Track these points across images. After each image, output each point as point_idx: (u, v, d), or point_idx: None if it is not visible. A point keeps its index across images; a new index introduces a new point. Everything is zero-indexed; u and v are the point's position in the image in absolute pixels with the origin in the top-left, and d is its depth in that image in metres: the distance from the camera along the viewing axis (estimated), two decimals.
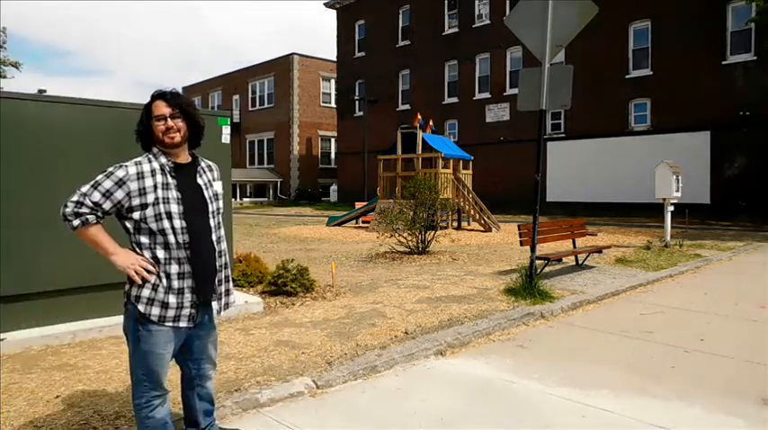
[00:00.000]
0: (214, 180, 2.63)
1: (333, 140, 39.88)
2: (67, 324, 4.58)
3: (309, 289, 6.30)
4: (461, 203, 16.73)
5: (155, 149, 2.50)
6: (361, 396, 3.57)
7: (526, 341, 4.86)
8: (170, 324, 2.40)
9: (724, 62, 19.94)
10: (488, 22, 26.90)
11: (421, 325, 5.05)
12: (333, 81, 39.22)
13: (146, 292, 2.36)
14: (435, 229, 10.54)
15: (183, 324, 2.43)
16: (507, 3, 25.78)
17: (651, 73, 21.77)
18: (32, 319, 4.46)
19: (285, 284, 6.14)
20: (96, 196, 2.31)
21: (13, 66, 25.56)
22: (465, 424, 3.18)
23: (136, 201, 2.35)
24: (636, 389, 3.67)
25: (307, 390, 3.55)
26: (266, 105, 41.67)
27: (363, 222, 18.32)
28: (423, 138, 16.71)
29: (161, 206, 2.37)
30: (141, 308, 2.36)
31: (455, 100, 28.66)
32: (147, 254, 2.38)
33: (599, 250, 9.29)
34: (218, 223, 2.58)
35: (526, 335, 5.03)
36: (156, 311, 2.37)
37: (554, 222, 10.50)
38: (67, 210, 2.31)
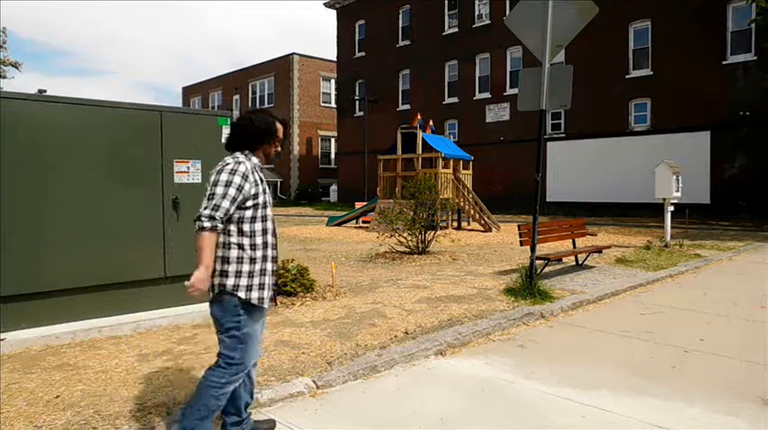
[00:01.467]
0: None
1: (333, 140, 39.89)
2: (67, 324, 4.58)
3: (309, 289, 6.30)
4: (461, 203, 16.73)
5: (245, 151, 2.81)
6: (361, 396, 3.57)
7: (526, 341, 4.86)
8: (265, 305, 2.72)
9: (724, 62, 19.95)
10: (488, 22, 26.91)
11: (421, 325, 5.05)
12: (333, 81, 39.23)
13: (244, 281, 2.64)
14: (435, 229, 10.54)
15: (266, 305, 2.74)
16: (507, 3, 25.78)
17: (651, 73, 21.77)
18: (32, 319, 4.46)
19: (285, 284, 6.14)
20: (228, 206, 2.66)
21: (13, 66, 25.57)
22: (465, 424, 3.18)
23: (252, 191, 2.70)
24: (636, 389, 3.67)
25: (307, 390, 3.55)
26: (266, 105, 41.64)
27: (363, 222, 18.33)
28: (423, 138, 16.71)
29: (261, 197, 2.74)
30: (242, 294, 2.63)
31: (455, 100, 28.66)
32: (247, 240, 2.68)
33: (599, 250, 9.30)
34: (265, 208, 2.84)
35: (526, 335, 5.03)
36: (255, 295, 2.67)
37: (554, 222, 10.50)
38: (215, 214, 2.64)
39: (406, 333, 4.78)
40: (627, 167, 21.77)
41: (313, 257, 10.06)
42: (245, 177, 2.68)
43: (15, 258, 4.37)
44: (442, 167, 16.06)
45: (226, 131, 5.57)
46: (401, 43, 31.27)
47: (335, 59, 36.01)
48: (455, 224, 17.02)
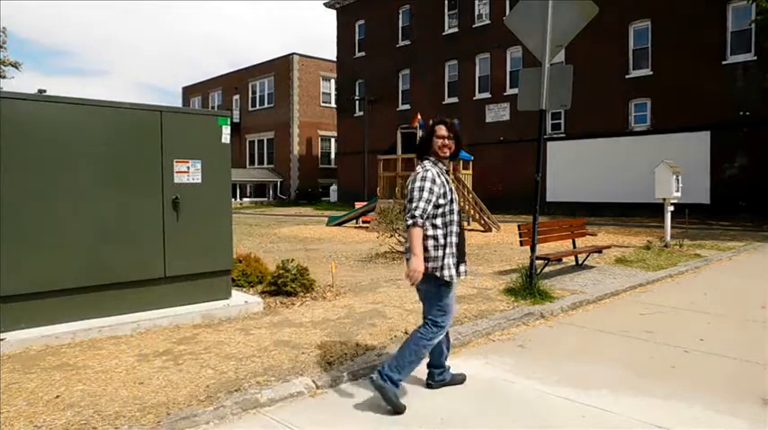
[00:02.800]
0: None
1: (333, 140, 39.88)
2: (67, 324, 4.58)
3: (309, 289, 6.30)
4: (461, 203, 16.73)
5: (431, 158, 3.51)
6: (361, 396, 3.57)
7: (526, 341, 4.85)
8: (455, 280, 3.41)
9: (724, 62, 19.94)
10: (488, 22, 26.89)
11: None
12: (333, 81, 39.22)
13: (438, 263, 3.34)
14: None
15: (456, 280, 3.43)
16: (507, 3, 25.77)
17: (651, 73, 21.77)
18: (32, 319, 4.46)
19: (285, 284, 6.14)
20: (424, 206, 3.31)
21: (12, 66, 25.56)
22: (465, 424, 3.18)
23: (441, 191, 3.37)
24: (636, 388, 3.67)
25: (307, 390, 3.55)
26: (266, 105, 41.68)
27: (363, 222, 18.33)
28: None
29: (448, 196, 3.41)
30: (445, 274, 3.35)
31: (455, 100, 28.65)
32: (440, 231, 3.36)
33: (599, 250, 9.29)
34: (453, 203, 3.48)
35: (526, 335, 5.03)
36: (451, 272, 3.37)
37: (554, 222, 10.50)
38: (413, 215, 3.29)
39: (406, 333, 4.78)
40: (627, 167, 21.77)
41: (313, 257, 10.06)
42: (433, 182, 3.35)
43: (15, 258, 4.37)
44: None
45: (226, 131, 5.58)
46: (401, 43, 31.25)
47: (335, 59, 36.00)
48: None
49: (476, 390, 3.68)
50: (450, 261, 3.36)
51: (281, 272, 6.27)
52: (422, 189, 3.32)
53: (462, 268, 3.49)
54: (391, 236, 9.90)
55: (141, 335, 4.68)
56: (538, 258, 6.74)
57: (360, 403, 3.45)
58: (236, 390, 3.44)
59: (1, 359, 3.96)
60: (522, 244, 7.49)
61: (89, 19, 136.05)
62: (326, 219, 20.13)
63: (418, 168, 3.46)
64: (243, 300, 5.69)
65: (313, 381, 3.65)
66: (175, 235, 5.23)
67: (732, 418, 3.22)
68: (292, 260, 6.56)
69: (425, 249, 3.33)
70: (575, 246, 9.21)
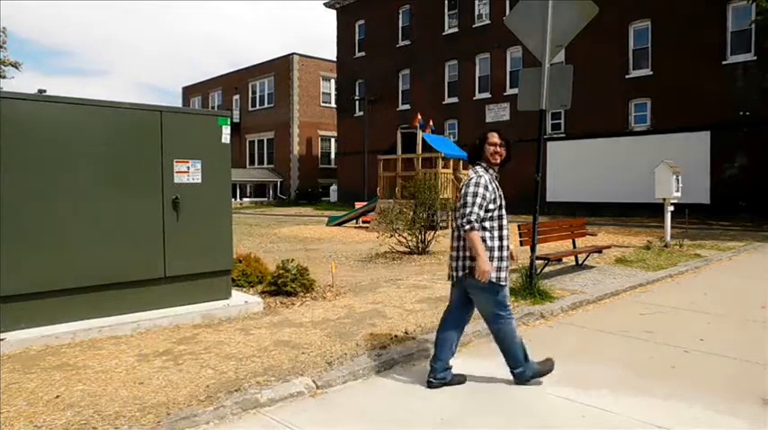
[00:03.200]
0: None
1: (333, 140, 39.88)
2: (67, 324, 4.58)
3: (309, 289, 6.30)
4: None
5: (483, 164, 3.71)
6: (362, 396, 3.57)
7: (526, 341, 4.81)
8: (502, 283, 3.60)
9: (724, 62, 19.94)
10: (488, 22, 26.89)
11: (421, 325, 5.05)
12: (333, 81, 39.21)
13: (503, 264, 3.59)
14: (435, 229, 10.54)
15: (503, 283, 3.62)
16: (507, 3, 25.77)
17: (651, 73, 21.76)
18: (32, 319, 4.46)
19: (285, 284, 6.14)
20: (478, 211, 3.53)
21: (12, 66, 25.57)
22: (465, 424, 3.18)
23: (492, 197, 3.58)
24: (636, 388, 3.67)
25: (307, 390, 3.55)
26: (266, 105, 41.67)
27: (363, 222, 18.32)
28: (423, 138, 16.71)
29: (498, 201, 3.61)
30: (500, 277, 3.57)
31: (455, 100, 28.65)
32: (487, 234, 3.57)
33: (599, 250, 9.29)
34: (501, 208, 3.69)
35: (526, 335, 5.00)
36: (503, 275, 3.60)
37: (554, 222, 10.50)
38: (469, 220, 3.49)
39: (407, 333, 4.78)
40: (627, 167, 21.76)
41: (313, 257, 10.06)
42: (486, 188, 3.54)
43: (15, 258, 4.37)
44: (442, 167, 16.06)
45: (226, 131, 5.58)
46: (401, 43, 31.25)
47: (335, 59, 36.01)
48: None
49: (476, 390, 3.68)
50: (496, 264, 3.56)
51: (281, 272, 6.27)
52: (476, 194, 3.52)
53: (505, 274, 3.65)
54: (391, 236, 9.90)
55: (141, 335, 4.67)
56: (538, 258, 6.74)
57: (360, 403, 3.46)
58: (236, 390, 3.44)
59: (1, 359, 3.96)
60: (521, 244, 7.48)
61: (89, 19, 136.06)
62: (326, 219, 20.13)
63: (471, 173, 3.67)
64: (243, 300, 5.69)
65: (313, 381, 3.65)
66: (175, 235, 5.23)
67: (732, 418, 3.22)
68: (292, 260, 6.56)
69: (472, 250, 3.53)
70: (575, 246, 9.21)
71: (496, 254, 3.57)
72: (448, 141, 19.57)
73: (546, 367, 3.81)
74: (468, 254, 3.57)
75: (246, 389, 3.45)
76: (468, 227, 3.46)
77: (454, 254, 3.68)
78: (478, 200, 3.50)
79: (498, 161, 3.72)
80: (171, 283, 5.24)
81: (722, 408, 3.35)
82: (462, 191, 3.61)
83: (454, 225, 3.72)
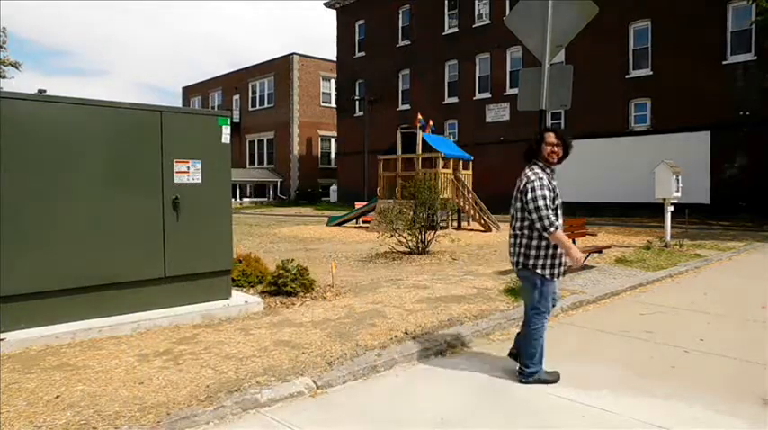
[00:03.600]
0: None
1: (333, 140, 39.88)
2: (67, 324, 4.58)
3: (309, 289, 6.30)
4: (461, 203, 16.74)
5: (540, 163, 3.82)
6: (362, 396, 3.57)
7: None
8: (554, 279, 3.81)
9: (724, 62, 19.94)
10: (488, 22, 26.90)
11: (421, 325, 5.05)
12: (333, 81, 39.22)
13: (540, 262, 3.74)
14: (435, 229, 10.54)
15: (555, 279, 3.83)
16: (507, 3, 25.78)
17: (651, 73, 21.76)
18: (32, 319, 4.46)
19: (285, 284, 6.14)
20: (551, 212, 3.67)
21: (12, 66, 25.58)
22: (465, 424, 3.18)
23: (552, 195, 3.71)
24: (636, 388, 3.67)
25: (307, 390, 3.55)
26: (266, 105, 41.67)
27: (363, 222, 18.32)
28: (423, 138, 16.71)
29: (557, 201, 3.75)
30: (546, 273, 3.74)
31: (455, 100, 28.65)
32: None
33: (599, 250, 9.29)
34: (557, 209, 3.82)
35: None
36: (555, 271, 3.79)
37: None
38: (547, 224, 3.63)
39: (407, 333, 4.78)
40: (627, 167, 21.76)
41: (313, 257, 10.06)
42: (548, 188, 3.70)
43: (15, 258, 4.37)
44: (442, 167, 16.06)
45: (226, 131, 5.58)
46: (401, 43, 31.26)
47: (335, 59, 36.01)
48: (455, 224, 17.02)
49: (476, 390, 3.68)
50: (550, 262, 3.76)
51: (281, 272, 6.27)
52: (544, 197, 3.66)
53: (558, 270, 3.83)
54: (391, 236, 9.90)
55: (141, 335, 4.67)
56: None
57: (360, 403, 3.46)
58: (236, 390, 3.44)
59: (1, 359, 3.96)
60: None
61: (89, 19, 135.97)
62: (326, 219, 20.13)
63: (530, 174, 3.77)
64: (243, 300, 5.69)
65: (313, 381, 3.65)
66: (175, 235, 5.23)
67: (732, 418, 3.22)
68: (292, 260, 6.55)
69: (530, 247, 3.75)
70: None
71: (550, 251, 3.74)
72: (448, 141, 19.57)
73: (552, 377, 3.84)
74: (521, 250, 3.80)
75: (246, 389, 3.45)
76: (551, 230, 3.63)
77: (512, 250, 3.92)
78: (548, 202, 3.64)
79: (555, 160, 3.84)
80: (171, 283, 5.24)
81: (722, 408, 3.35)
82: (529, 195, 3.67)
83: (512, 224, 3.91)
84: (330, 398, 3.52)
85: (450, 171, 16.67)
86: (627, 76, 22.40)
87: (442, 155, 16.15)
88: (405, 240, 10.01)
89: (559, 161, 3.88)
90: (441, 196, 11.95)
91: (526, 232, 3.77)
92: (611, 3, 19.58)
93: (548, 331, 5.18)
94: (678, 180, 10.91)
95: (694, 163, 19.53)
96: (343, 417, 3.26)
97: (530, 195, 3.66)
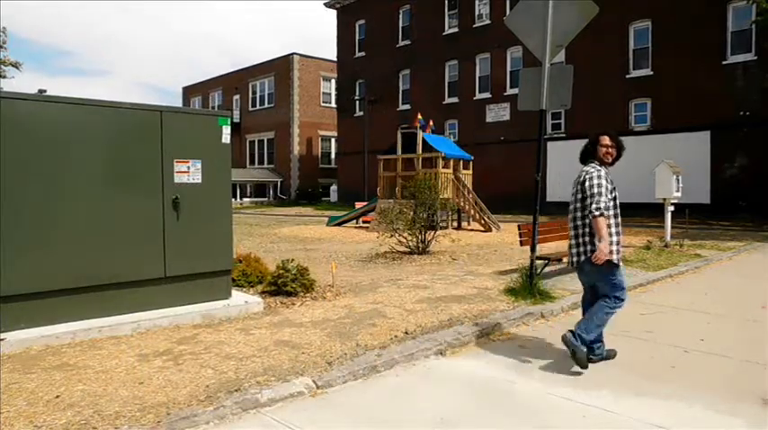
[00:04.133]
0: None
1: (333, 140, 39.88)
2: (67, 324, 4.58)
3: (309, 289, 6.30)
4: (461, 203, 16.73)
5: (596, 162, 4.15)
6: (362, 396, 3.57)
7: (526, 341, 4.86)
8: (620, 263, 4.08)
9: (724, 62, 19.94)
10: (488, 22, 26.90)
11: (421, 325, 5.05)
12: (333, 81, 39.22)
13: (614, 248, 3.99)
14: (435, 229, 10.54)
15: (619, 262, 4.07)
16: (507, 3, 25.78)
17: (651, 73, 21.77)
18: (32, 319, 4.46)
19: (285, 284, 6.14)
20: (605, 200, 3.97)
21: (13, 66, 25.57)
22: (465, 424, 3.18)
23: (610, 187, 4.03)
24: (636, 388, 3.67)
25: (307, 390, 3.55)
26: (266, 105, 41.68)
27: (363, 222, 18.33)
28: (423, 138, 16.71)
29: (614, 193, 4.06)
30: (614, 258, 3.98)
31: (455, 100, 28.66)
32: (611, 221, 4.01)
33: None
34: (615, 199, 4.09)
35: (526, 335, 5.03)
36: (618, 256, 4.03)
37: (554, 222, 10.49)
38: (602, 206, 3.92)
39: (407, 333, 4.78)
40: (627, 167, 21.59)
41: (313, 257, 10.06)
42: (606, 179, 4.01)
43: (15, 258, 4.37)
44: (442, 167, 16.06)
45: (226, 131, 5.58)
46: (401, 43, 31.26)
47: (335, 59, 36.02)
48: (455, 224, 17.02)
49: (476, 390, 3.68)
50: (615, 247, 4.00)
51: (281, 272, 6.27)
52: (600, 185, 3.96)
53: (618, 256, 4.07)
54: (391, 236, 9.90)
55: (141, 335, 4.67)
56: (538, 258, 6.74)
57: (360, 403, 3.46)
58: (236, 390, 3.44)
59: (1, 359, 3.96)
60: (522, 244, 7.49)
61: (89, 19, 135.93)
62: (326, 219, 20.13)
63: (590, 168, 4.10)
64: (243, 300, 5.69)
65: (313, 381, 3.64)
66: (175, 235, 5.23)
67: (732, 418, 3.22)
68: (292, 260, 6.55)
69: (592, 235, 4.00)
70: None
71: (614, 238, 4.02)
72: (448, 141, 19.57)
73: (611, 354, 4.23)
74: (588, 239, 4.08)
75: (246, 389, 3.45)
76: (597, 213, 3.89)
77: (573, 242, 4.23)
78: (603, 189, 3.94)
79: (610, 160, 4.15)
80: (171, 283, 5.24)
81: (722, 408, 3.35)
82: (586, 184, 4.03)
83: (570, 217, 4.25)
84: (330, 398, 3.52)
85: (451, 171, 16.67)
86: (627, 76, 22.40)
87: (443, 155, 16.15)
88: (405, 240, 10.01)
89: (613, 162, 4.18)
90: (441, 196, 11.95)
91: (588, 222, 4.04)
92: (611, 3, 19.58)
93: (548, 331, 5.21)
94: (678, 180, 10.91)
95: (694, 163, 19.53)
96: (343, 417, 3.26)
97: (587, 184, 4.03)
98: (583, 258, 4.12)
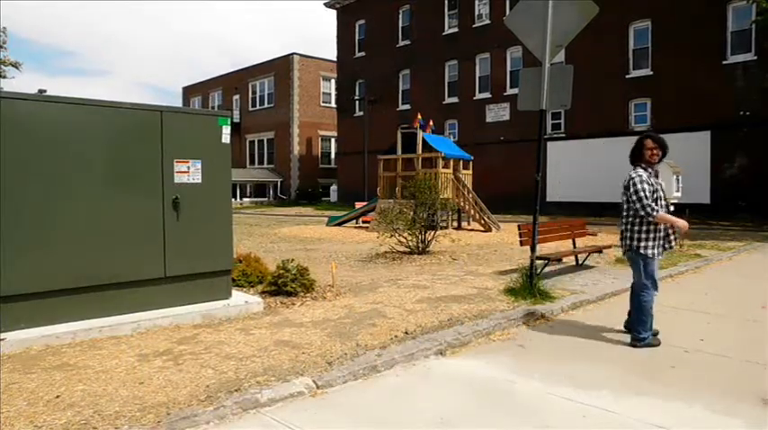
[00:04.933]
0: (660, 181, 4.76)
1: (333, 140, 39.88)
2: (67, 324, 4.58)
3: (309, 289, 6.30)
4: (461, 203, 16.73)
5: (642, 164, 4.67)
6: (362, 396, 3.57)
7: (526, 341, 4.86)
8: (657, 257, 4.65)
9: (724, 62, 19.94)
10: (488, 22, 26.90)
11: (421, 325, 5.05)
12: (333, 81, 39.22)
13: (649, 244, 4.61)
14: (435, 229, 10.54)
15: (657, 257, 4.67)
16: (507, 3, 25.79)
17: (651, 73, 21.77)
18: (32, 319, 4.46)
19: (285, 284, 6.14)
20: (651, 201, 4.53)
21: (13, 66, 25.57)
22: (465, 424, 3.18)
23: (651, 189, 4.55)
24: (636, 388, 3.67)
25: (307, 390, 3.55)
26: (266, 105, 41.67)
27: (363, 222, 18.32)
28: (423, 138, 16.71)
29: (657, 193, 4.57)
30: (649, 253, 4.60)
31: (455, 100, 28.66)
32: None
33: (599, 250, 9.29)
34: (657, 199, 4.60)
35: (526, 335, 5.03)
36: (652, 252, 4.61)
37: (554, 222, 10.50)
38: (649, 210, 4.50)
39: (407, 333, 4.78)
40: (627, 167, 21.46)
41: (313, 257, 10.06)
42: (647, 182, 4.53)
43: (15, 258, 4.37)
44: (442, 167, 16.06)
45: (226, 131, 5.58)
46: (401, 43, 31.26)
47: (335, 59, 36.02)
48: (455, 224, 17.02)
49: (476, 390, 3.68)
50: (650, 243, 4.58)
51: (281, 272, 6.27)
52: (644, 190, 4.52)
53: (661, 249, 4.66)
54: (391, 236, 9.90)
55: (141, 335, 4.68)
56: (538, 258, 6.74)
57: (360, 403, 3.46)
58: (236, 390, 3.44)
59: (1, 359, 3.96)
60: (522, 244, 7.49)
61: (89, 19, 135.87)
62: (326, 219, 20.13)
63: (633, 173, 4.63)
64: (243, 299, 5.69)
65: (313, 381, 3.65)
66: (175, 235, 5.23)
67: (732, 418, 3.22)
68: (292, 260, 6.55)
69: (633, 232, 4.63)
70: (575, 246, 9.21)
71: (651, 235, 4.58)
72: (448, 141, 19.57)
73: (657, 342, 4.67)
74: (628, 235, 4.66)
75: (246, 389, 3.45)
76: (654, 214, 4.50)
77: (620, 235, 4.79)
78: (647, 193, 4.50)
79: (656, 160, 4.66)
80: (171, 283, 5.24)
81: (722, 408, 3.35)
82: (631, 189, 4.56)
83: (624, 214, 4.73)
84: (330, 398, 3.52)
85: (451, 171, 16.67)
86: (627, 76, 22.41)
87: (442, 155, 16.15)
88: (405, 240, 10.01)
89: (659, 160, 4.70)
90: (441, 196, 11.94)
91: (631, 220, 4.64)
92: (611, 3, 19.58)
93: (548, 331, 5.22)
94: (678, 180, 10.93)
95: (694, 163, 19.52)
96: (344, 417, 3.26)
97: (632, 189, 4.56)
98: (625, 249, 4.78)
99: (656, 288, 4.69)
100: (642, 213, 4.50)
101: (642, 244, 4.60)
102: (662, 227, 4.61)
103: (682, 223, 4.58)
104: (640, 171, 4.61)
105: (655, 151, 4.63)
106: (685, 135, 20.60)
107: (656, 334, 4.77)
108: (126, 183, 4.97)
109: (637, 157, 4.73)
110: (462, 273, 8.16)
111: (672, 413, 3.29)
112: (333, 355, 4.16)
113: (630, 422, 3.17)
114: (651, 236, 4.59)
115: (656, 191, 4.56)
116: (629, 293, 6.93)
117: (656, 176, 4.69)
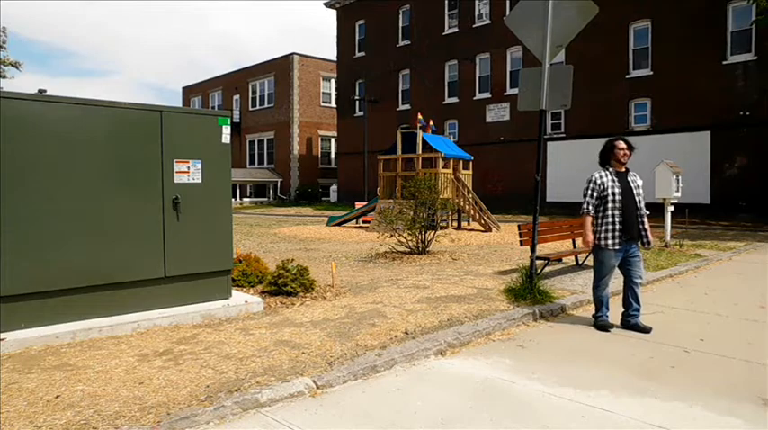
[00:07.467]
0: (636, 179, 5.22)
1: (333, 140, 39.89)
2: (67, 324, 4.58)
3: (309, 289, 6.30)
4: (461, 203, 16.73)
5: (608, 167, 5.15)
6: (362, 396, 3.57)
7: (526, 341, 4.86)
8: (611, 248, 5.06)
9: (724, 62, 19.94)
10: (488, 22, 26.90)
11: (421, 325, 5.05)
12: (333, 81, 39.23)
13: (600, 236, 5.10)
14: (435, 229, 10.54)
15: (617, 247, 5.06)
16: (507, 3, 25.79)
17: (651, 73, 21.77)
18: (32, 319, 4.46)
19: (285, 284, 6.14)
20: (590, 200, 5.15)
21: (13, 66, 25.56)
22: (465, 424, 3.18)
23: (604, 190, 5.06)
24: (636, 389, 3.67)
25: (307, 390, 3.55)
26: (266, 105, 41.67)
27: (363, 222, 18.33)
28: (423, 138, 16.71)
29: (606, 190, 5.05)
30: (601, 243, 5.08)
31: (455, 100, 28.66)
32: (608, 213, 5.07)
33: None
34: (640, 199, 5.11)
35: (526, 335, 5.03)
36: (608, 243, 5.05)
37: (554, 222, 10.49)
38: (584, 208, 5.15)
39: (406, 333, 4.78)
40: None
41: (313, 257, 10.06)
42: (594, 182, 5.12)
43: (15, 258, 4.37)
44: (442, 167, 16.06)
45: (226, 131, 5.58)
46: (401, 43, 31.26)
47: (335, 59, 36.02)
48: (455, 224, 17.02)
49: (476, 390, 3.68)
50: (608, 235, 5.07)
51: (281, 272, 6.27)
52: (587, 189, 5.18)
53: (618, 241, 5.06)
54: (391, 236, 9.90)
55: (141, 335, 4.68)
56: (538, 258, 6.73)
57: (360, 403, 3.46)
58: (236, 390, 3.44)
59: (1, 359, 3.96)
60: (522, 244, 7.49)
61: (90, 19, 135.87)
62: (326, 219, 20.13)
63: (592, 175, 5.20)
64: (243, 299, 5.69)
65: (313, 381, 3.65)
66: (175, 235, 5.23)
67: (732, 418, 3.22)
68: (292, 260, 6.55)
69: (595, 226, 5.22)
70: (575, 246, 9.20)
71: (602, 228, 5.09)
72: (448, 141, 19.56)
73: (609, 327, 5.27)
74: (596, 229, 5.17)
75: (246, 389, 3.45)
76: (581, 213, 5.13)
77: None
78: (589, 192, 5.09)
79: (626, 161, 5.11)
80: (171, 283, 5.24)
81: (722, 408, 3.35)
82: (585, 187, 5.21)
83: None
84: (330, 398, 3.52)
85: (451, 171, 16.67)
86: (627, 76, 22.41)
87: (443, 155, 16.15)
88: (405, 240, 10.01)
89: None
90: (441, 196, 11.94)
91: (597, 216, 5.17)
92: (611, 3, 19.60)
93: (548, 331, 5.23)
94: (678, 180, 10.92)
95: (694, 163, 19.54)
96: (343, 417, 3.26)
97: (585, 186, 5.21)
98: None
99: (603, 277, 5.19)
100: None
101: (597, 235, 5.14)
102: (610, 220, 5.03)
103: (586, 239, 5.17)
104: (599, 173, 5.13)
105: (627, 151, 5.08)
106: (685, 135, 20.62)
107: (648, 330, 5.03)
108: (126, 183, 4.97)
109: (605, 159, 5.14)
110: (462, 273, 8.16)
111: (672, 413, 3.29)
112: (333, 355, 4.16)
113: (630, 422, 3.17)
114: (602, 228, 5.10)
115: (604, 190, 5.04)
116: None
117: (625, 176, 5.12)
